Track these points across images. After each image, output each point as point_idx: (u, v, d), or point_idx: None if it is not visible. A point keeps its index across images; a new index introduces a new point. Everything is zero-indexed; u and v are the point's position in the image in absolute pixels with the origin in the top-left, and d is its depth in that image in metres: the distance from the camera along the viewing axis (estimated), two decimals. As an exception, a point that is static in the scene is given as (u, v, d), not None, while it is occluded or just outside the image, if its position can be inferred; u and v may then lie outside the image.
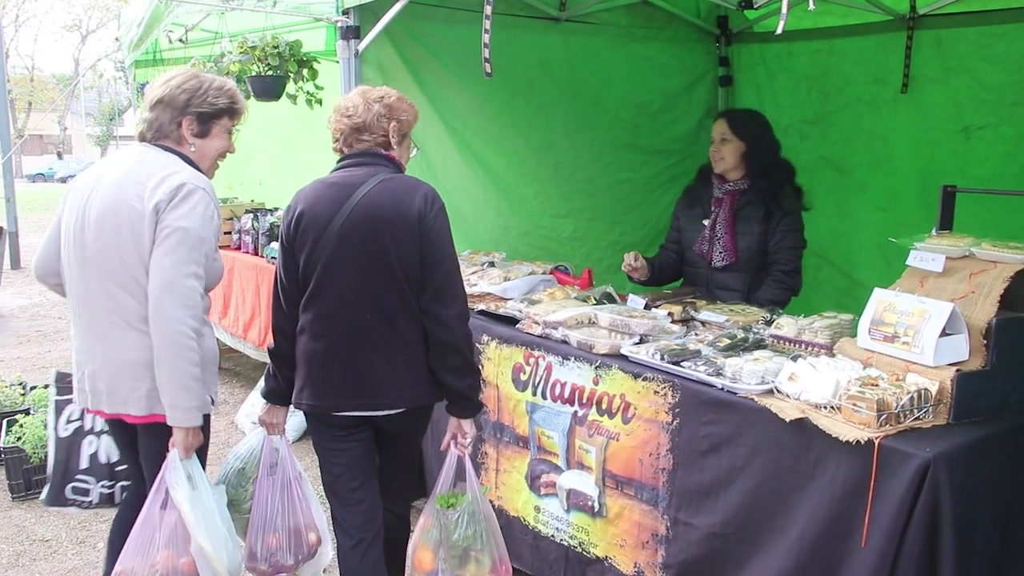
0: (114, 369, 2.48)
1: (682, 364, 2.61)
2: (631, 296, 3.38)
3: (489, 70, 3.04)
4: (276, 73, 4.30)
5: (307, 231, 2.47)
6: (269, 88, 4.30)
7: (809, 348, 2.70)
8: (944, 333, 2.30)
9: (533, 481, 3.18)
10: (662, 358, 2.66)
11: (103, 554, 3.65)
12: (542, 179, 4.55)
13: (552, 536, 3.12)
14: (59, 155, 39.06)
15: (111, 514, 4.03)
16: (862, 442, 2.08)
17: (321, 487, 2.78)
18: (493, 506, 3.37)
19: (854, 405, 2.14)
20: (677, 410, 2.59)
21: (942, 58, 4.09)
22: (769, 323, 2.93)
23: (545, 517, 3.15)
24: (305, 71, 4.39)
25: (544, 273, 3.86)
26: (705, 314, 3.10)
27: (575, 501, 3.01)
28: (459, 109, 4.19)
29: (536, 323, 3.14)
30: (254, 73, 4.29)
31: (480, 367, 3.29)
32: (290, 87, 4.35)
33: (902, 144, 4.25)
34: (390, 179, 2.52)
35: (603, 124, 4.72)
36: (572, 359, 2.95)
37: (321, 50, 4.43)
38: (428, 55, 4.09)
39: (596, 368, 2.86)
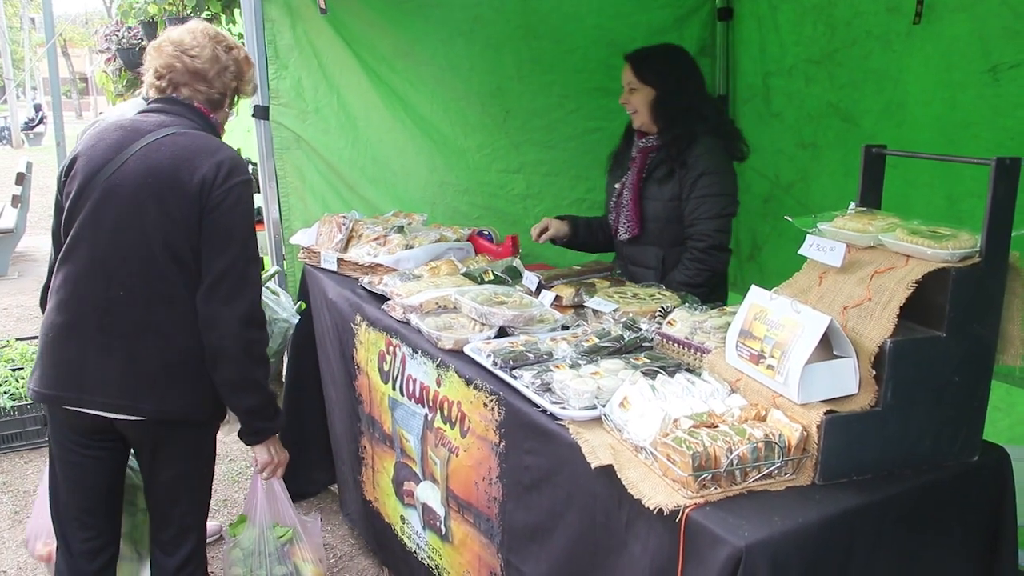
0: None
1: (513, 372, 2.06)
2: (526, 274, 2.81)
3: (323, 4, 2.46)
4: (195, 14, 3.95)
5: (75, 177, 2.06)
6: (187, 30, 3.94)
7: (698, 353, 2.10)
8: (832, 356, 1.67)
9: (398, 488, 2.72)
10: (494, 362, 2.11)
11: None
12: (487, 129, 3.93)
13: (415, 553, 2.67)
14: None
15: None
16: (665, 511, 1.50)
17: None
18: (371, 507, 2.94)
19: (667, 457, 1.56)
20: (503, 430, 2.05)
21: (967, -21, 3.22)
22: (666, 316, 2.33)
23: (408, 530, 2.69)
24: (236, 12, 4.02)
25: (459, 240, 3.33)
26: (595, 301, 2.51)
27: (428, 518, 2.53)
28: (383, 52, 3.61)
29: (399, 306, 2.64)
30: (171, 15, 3.94)
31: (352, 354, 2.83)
32: (212, 29, 3.96)
33: (916, 87, 3.42)
34: (183, 134, 2.07)
35: (567, 66, 4.02)
36: (419, 352, 2.43)
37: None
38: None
39: (438, 367, 2.34)
